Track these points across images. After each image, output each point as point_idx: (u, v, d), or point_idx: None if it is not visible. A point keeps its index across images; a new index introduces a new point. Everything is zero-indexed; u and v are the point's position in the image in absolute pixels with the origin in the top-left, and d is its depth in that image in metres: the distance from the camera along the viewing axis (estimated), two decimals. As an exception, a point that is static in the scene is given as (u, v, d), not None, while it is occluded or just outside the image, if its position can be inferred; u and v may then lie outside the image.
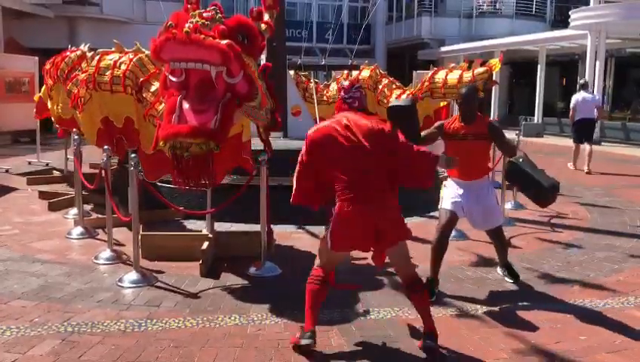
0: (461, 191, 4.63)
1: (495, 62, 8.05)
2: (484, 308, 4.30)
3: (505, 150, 4.85)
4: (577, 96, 11.89)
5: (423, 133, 4.66)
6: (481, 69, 7.93)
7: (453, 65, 9.03)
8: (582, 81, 12.59)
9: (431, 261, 4.54)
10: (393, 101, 4.69)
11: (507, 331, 3.91)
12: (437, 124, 4.82)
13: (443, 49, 27.64)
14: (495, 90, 23.51)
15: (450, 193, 4.68)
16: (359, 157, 3.44)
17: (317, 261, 3.70)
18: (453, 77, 8.59)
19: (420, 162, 3.59)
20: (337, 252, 3.60)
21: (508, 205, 7.77)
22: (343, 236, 3.48)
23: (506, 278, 4.90)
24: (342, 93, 3.75)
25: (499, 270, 5.06)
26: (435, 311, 3.99)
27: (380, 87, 9.61)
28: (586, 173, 11.48)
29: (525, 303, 4.43)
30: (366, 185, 3.44)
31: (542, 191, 4.65)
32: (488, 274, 5.13)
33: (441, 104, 8.71)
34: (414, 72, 11.07)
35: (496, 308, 4.31)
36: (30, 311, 4.12)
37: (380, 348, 3.64)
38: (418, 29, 29.20)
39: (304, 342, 3.48)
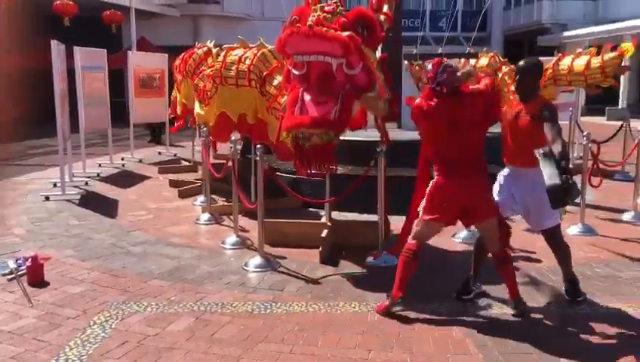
0: (511, 182, 4.09)
1: (628, 47, 7.53)
2: (620, 306, 4.08)
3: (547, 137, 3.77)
4: None
5: None
6: (611, 54, 7.47)
7: (580, 50, 8.57)
8: None
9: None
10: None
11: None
12: None
13: (566, 34, 26.09)
14: (625, 77, 21.80)
15: (496, 185, 4.18)
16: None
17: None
18: (580, 63, 8.17)
19: None
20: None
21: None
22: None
23: (567, 296, 4.19)
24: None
25: (564, 284, 4.27)
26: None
27: (500, 75, 9.27)
28: None
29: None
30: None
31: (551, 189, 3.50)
32: (620, 271, 4.84)
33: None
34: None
35: (629, 307, 4.06)
36: (167, 290, 4.46)
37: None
38: (538, 13, 27.84)
39: (393, 309, 3.95)
